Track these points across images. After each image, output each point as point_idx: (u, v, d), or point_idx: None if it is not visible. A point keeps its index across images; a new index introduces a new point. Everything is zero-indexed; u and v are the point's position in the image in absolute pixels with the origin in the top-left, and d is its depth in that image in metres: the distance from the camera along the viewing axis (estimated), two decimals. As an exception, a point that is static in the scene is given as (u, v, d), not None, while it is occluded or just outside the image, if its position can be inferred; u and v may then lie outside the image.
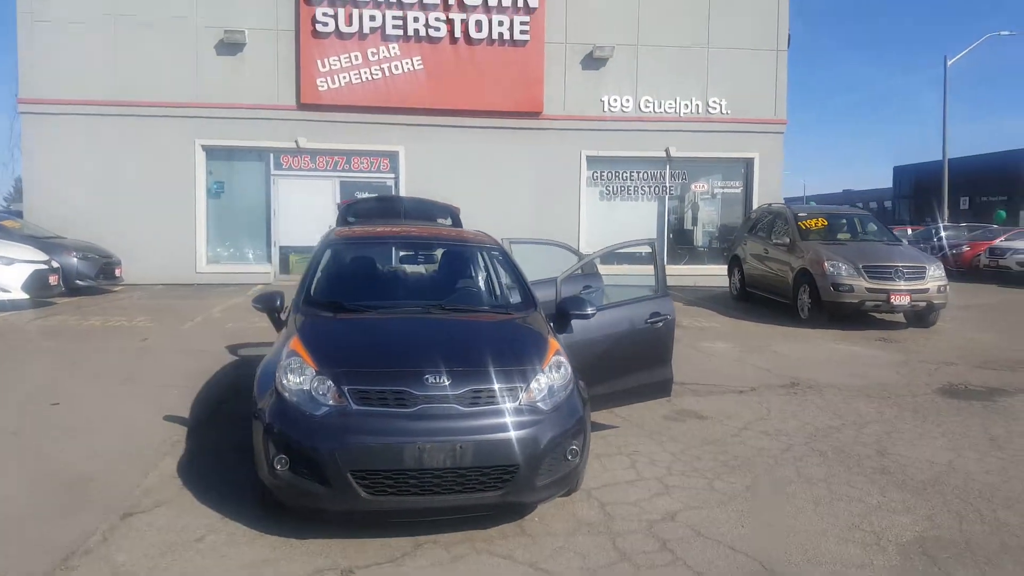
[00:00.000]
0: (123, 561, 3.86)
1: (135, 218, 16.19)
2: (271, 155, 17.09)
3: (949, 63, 28.41)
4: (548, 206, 16.96)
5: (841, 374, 8.76)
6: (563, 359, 4.50)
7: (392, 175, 17.41)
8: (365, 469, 3.87)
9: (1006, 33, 28.79)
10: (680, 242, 18.91)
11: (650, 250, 6.30)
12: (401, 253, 6.25)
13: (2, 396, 7.07)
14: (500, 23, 16.89)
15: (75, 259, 14.00)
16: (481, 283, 5.97)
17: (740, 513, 4.64)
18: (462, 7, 16.82)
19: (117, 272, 15.04)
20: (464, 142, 17.07)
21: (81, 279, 14.03)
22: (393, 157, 17.30)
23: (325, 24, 16.54)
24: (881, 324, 12.58)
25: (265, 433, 4.06)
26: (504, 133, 17.26)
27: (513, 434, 4.01)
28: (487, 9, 16.87)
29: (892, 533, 4.38)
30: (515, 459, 3.99)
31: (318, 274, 5.34)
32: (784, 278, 13.32)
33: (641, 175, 18.30)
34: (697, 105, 17.89)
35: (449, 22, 16.82)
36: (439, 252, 6.08)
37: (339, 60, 16.68)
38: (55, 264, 12.83)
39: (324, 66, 16.66)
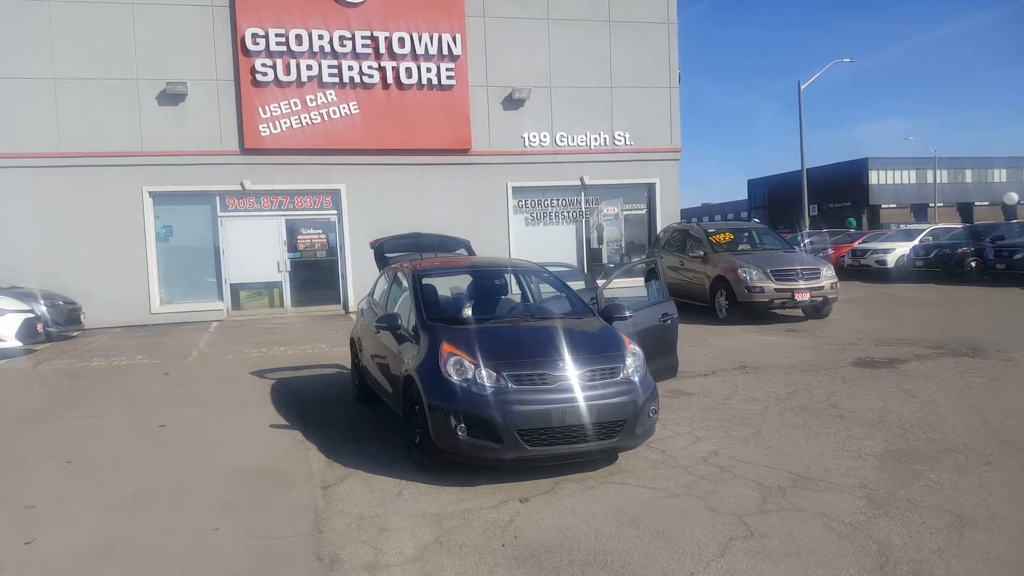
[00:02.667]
0: (359, 511, 5.23)
1: (87, 265, 16.61)
2: (217, 198, 17.92)
3: (803, 87, 32.37)
4: (481, 232, 18.51)
5: (773, 357, 10.90)
6: (635, 347, 6.24)
7: (335, 211, 18.63)
8: (526, 428, 5.44)
9: (847, 60, 33.05)
10: (594, 259, 21.01)
11: (654, 266, 8.13)
12: (477, 279, 7.74)
13: (102, 425, 8.06)
14: (428, 70, 18.53)
15: (45, 307, 14.42)
16: (544, 297, 7.63)
17: (760, 448, 6.49)
18: (392, 56, 18.34)
19: (81, 318, 15.49)
20: (401, 178, 18.56)
21: (51, 326, 14.46)
22: (335, 195, 18.53)
23: (264, 74, 17.62)
24: (784, 318, 15.01)
25: (445, 411, 5.53)
26: (437, 168, 18.87)
27: (622, 399, 5.70)
28: (415, 57, 18.48)
29: (867, 450, 6.34)
30: (625, 415, 5.69)
31: (422, 298, 6.79)
32: (701, 285, 15.56)
33: (560, 202, 20.43)
34: (605, 138, 20.20)
35: (381, 70, 18.30)
36: (505, 276, 7.70)
37: (279, 107, 17.77)
38: (37, 312, 13.35)
39: (265, 113, 17.71)
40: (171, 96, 17.27)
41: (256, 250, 18.10)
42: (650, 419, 5.96)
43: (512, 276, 7.81)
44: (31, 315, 12.93)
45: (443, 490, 5.58)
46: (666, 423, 7.31)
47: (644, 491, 5.49)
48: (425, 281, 7.07)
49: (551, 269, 8.18)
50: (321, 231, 18.67)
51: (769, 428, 7.12)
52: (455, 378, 5.65)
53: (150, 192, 17.36)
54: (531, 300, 7.80)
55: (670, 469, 5.97)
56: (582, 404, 5.55)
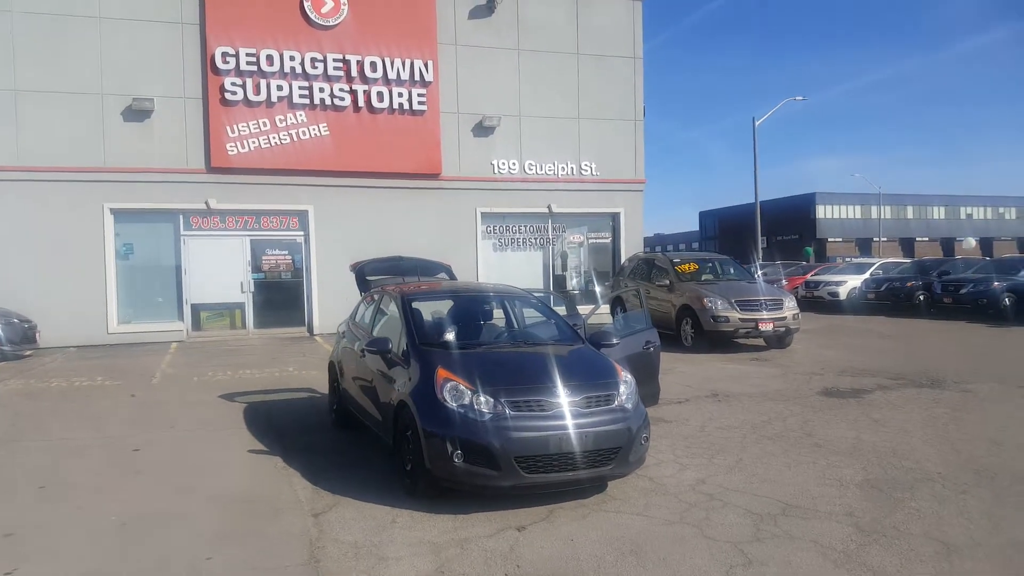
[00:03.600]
0: (353, 540, 5.16)
1: (43, 282, 16.16)
2: (181, 216, 17.64)
3: (757, 123, 33.22)
4: (450, 256, 18.21)
5: (743, 386, 11.09)
6: (628, 375, 6.31)
7: (302, 232, 18.47)
8: (524, 455, 5.44)
9: (799, 99, 34.08)
10: (559, 286, 21.19)
11: (636, 294, 8.23)
12: (466, 304, 7.73)
13: (72, 448, 7.81)
14: (399, 94, 18.63)
15: (-1, 326, 14.00)
16: (532, 323, 7.67)
17: (744, 476, 6.59)
18: (364, 79, 18.39)
19: (36, 337, 15.03)
20: (371, 200, 18.54)
21: (5, 345, 14.03)
22: (303, 216, 18.40)
23: (234, 93, 17.48)
24: (748, 347, 15.29)
25: (441, 437, 5.50)
26: (407, 192, 18.91)
27: (617, 426, 5.75)
28: (387, 82, 18.56)
29: (847, 478, 6.49)
30: (620, 442, 5.73)
31: (413, 323, 6.77)
32: (668, 313, 15.76)
33: (528, 228, 20.66)
34: (572, 168, 20.54)
35: (352, 92, 18.32)
36: (494, 302, 7.73)
37: (248, 126, 17.63)
38: (-8, 331, 12.93)
39: (233, 132, 17.54)
40: (137, 112, 17.01)
41: (219, 270, 17.83)
42: (642, 447, 6.02)
43: (500, 302, 7.85)
44: (-15, 334, 12.51)
45: (437, 518, 5.54)
46: (650, 451, 7.33)
47: (639, 519, 5.53)
48: (415, 305, 7.06)
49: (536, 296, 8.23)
50: (287, 252, 18.49)
51: (750, 456, 7.23)
52: (452, 404, 5.64)
53: (111, 209, 17.00)
54: (516, 326, 7.83)
55: (661, 497, 6.03)
56: (579, 431, 5.58)
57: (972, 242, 30.51)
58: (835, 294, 25.17)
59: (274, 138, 17.80)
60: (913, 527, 5.34)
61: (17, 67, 16.32)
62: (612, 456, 5.73)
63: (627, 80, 21.05)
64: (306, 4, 17.98)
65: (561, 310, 8.93)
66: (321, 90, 18.05)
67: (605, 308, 16.95)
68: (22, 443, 8.01)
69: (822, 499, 5.95)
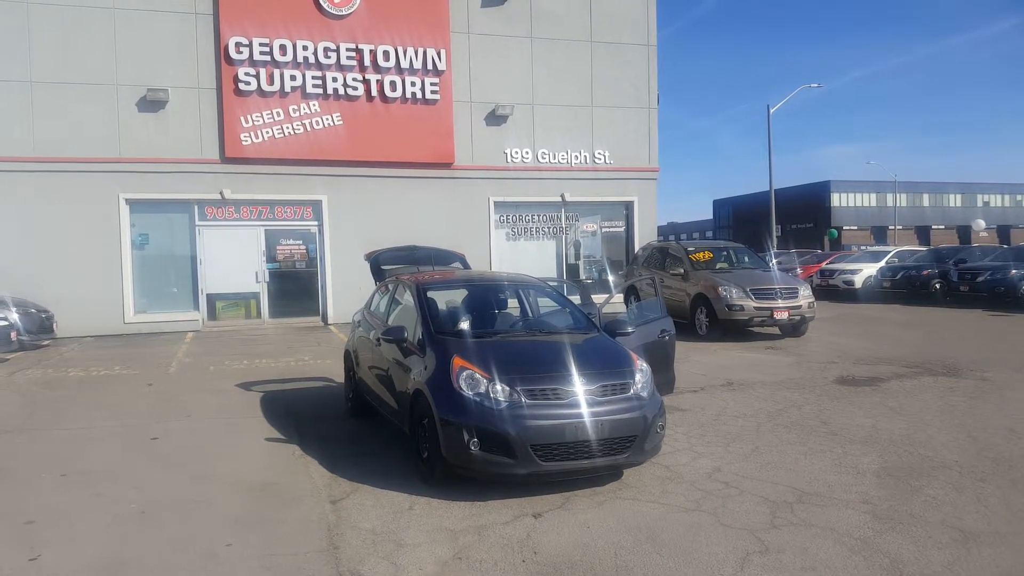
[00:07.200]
0: (371, 527, 5.20)
1: (60, 272, 16.28)
2: (196, 206, 17.74)
3: (772, 111, 32.98)
4: (463, 246, 18.34)
5: (758, 374, 11.06)
6: (643, 363, 6.31)
7: (316, 222, 18.54)
8: (540, 443, 5.47)
9: (815, 86, 33.80)
10: (573, 274, 21.17)
11: (651, 283, 8.22)
12: (481, 293, 7.76)
13: (91, 437, 7.90)
14: (412, 84, 18.62)
15: (17, 315, 14.11)
16: (547, 311, 7.68)
17: (760, 464, 6.58)
18: (377, 69, 18.39)
19: (54, 327, 15.17)
20: (384, 190, 18.57)
21: (23, 334, 14.16)
22: (316, 205, 18.46)
23: (247, 83, 17.51)
24: (763, 336, 15.24)
25: (458, 426, 5.53)
26: (420, 181, 18.93)
27: (633, 415, 5.76)
28: (400, 71, 18.56)
29: (864, 466, 6.47)
30: (636, 431, 5.74)
31: (429, 312, 6.80)
32: (682, 302, 15.72)
33: (541, 217, 20.64)
34: (585, 156, 20.47)
35: (365, 82, 18.33)
36: (508, 291, 7.75)
37: (262, 116, 17.67)
38: (10, 320, 13.07)
39: (247, 122, 17.59)
40: (151, 103, 17.08)
41: (234, 260, 17.95)
42: (658, 435, 6.03)
43: (515, 291, 7.87)
44: (4, 323, 12.69)
45: (454, 505, 5.57)
46: (665, 439, 7.33)
47: (655, 506, 5.55)
48: (430, 294, 7.08)
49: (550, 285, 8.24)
50: (301, 242, 18.58)
51: (766, 444, 7.23)
52: (468, 392, 5.66)
53: (127, 199, 17.12)
54: (531, 315, 7.84)
55: (677, 485, 6.03)
56: (595, 419, 5.60)
57: (982, 223, 30.53)
58: (850, 282, 25.04)
59: (288, 128, 17.84)
60: (930, 514, 5.32)
61: (33, 58, 16.41)
62: (628, 444, 5.74)
63: (641, 68, 20.93)
64: (319, -6, 17.99)
65: (575, 299, 8.92)
66: (334, 80, 18.07)
67: (619, 297, 16.92)
68: (42, 431, 8.12)
69: (838, 487, 5.94)
